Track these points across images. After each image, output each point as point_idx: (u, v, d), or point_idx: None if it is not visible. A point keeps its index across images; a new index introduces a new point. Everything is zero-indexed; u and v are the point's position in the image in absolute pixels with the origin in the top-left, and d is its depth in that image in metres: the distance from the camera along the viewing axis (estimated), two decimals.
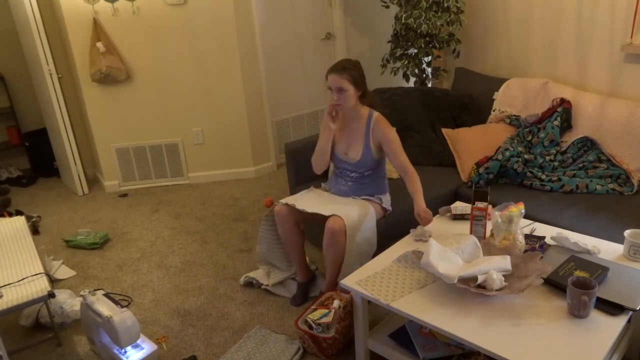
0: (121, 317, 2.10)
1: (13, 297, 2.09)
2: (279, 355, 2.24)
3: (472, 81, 3.48)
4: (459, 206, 2.38)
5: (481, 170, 2.76)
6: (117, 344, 2.13)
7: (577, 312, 1.65)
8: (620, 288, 1.75)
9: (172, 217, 3.68)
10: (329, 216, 2.34)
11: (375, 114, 2.49)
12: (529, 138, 2.95)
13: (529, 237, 2.12)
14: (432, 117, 3.23)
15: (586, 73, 3.07)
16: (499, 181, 2.81)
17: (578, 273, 1.80)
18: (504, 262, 1.80)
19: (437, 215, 2.42)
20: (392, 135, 2.45)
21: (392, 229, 2.55)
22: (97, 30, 3.73)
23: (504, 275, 1.79)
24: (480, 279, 1.76)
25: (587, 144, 2.84)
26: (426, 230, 2.25)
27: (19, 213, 3.80)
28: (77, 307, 2.56)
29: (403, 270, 1.99)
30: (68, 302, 2.56)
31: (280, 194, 3.91)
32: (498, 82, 3.31)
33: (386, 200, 2.59)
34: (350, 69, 2.39)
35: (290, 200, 2.49)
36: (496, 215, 1.99)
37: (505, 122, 3.14)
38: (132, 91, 3.98)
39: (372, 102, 2.55)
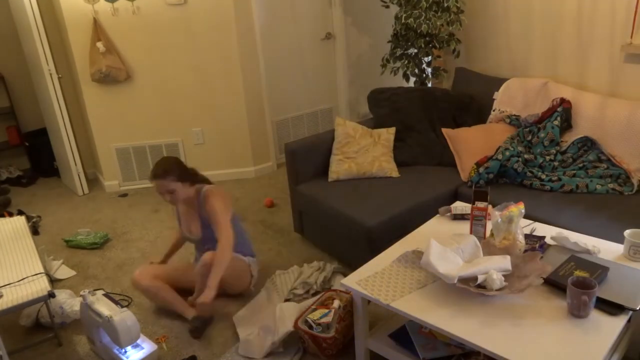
0: (121, 317, 2.10)
1: (13, 297, 2.09)
2: (279, 356, 2.24)
3: (472, 81, 3.48)
4: (459, 206, 2.38)
5: (481, 170, 2.76)
6: (117, 344, 2.13)
7: (577, 312, 1.65)
8: (620, 288, 1.75)
9: (172, 217, 3.68)
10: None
11: (205, 189, 2.53)
12: (529, 138, 2.95)
13: (529, 237, 2.12)
14: (432, 117, 3.23)
15: (586, 73, 3.07)
16: (499, 181, 2.81)
17: (578, 273, 1.80)
18: (504, 262, 1.80)
19: (437, 215, 2.42)
20: (210, 206, 2.46)
21: (391, 229, 2.56)
22: (97, 30, 3.73)
23: (504, 275, 1.79)
24: (480, 279, 1.76)
25: (587, 143, 2.84)
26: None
27: (20, 213, 3.80)
28: (77, 307, 2.56)
29: (403, 270, 1.99)
30: (68, 302, 2.57)
31: (280, 193, 3.91)
32: (498, 82, 3.31)
33: (253, 263, 2.67)
34: (171, 170, 2.41)
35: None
36: (496, 215, 1.99)
37: (505, 122, 3.14)
38: (132, 91, 3.98)
39: (202, 180, 2.61)
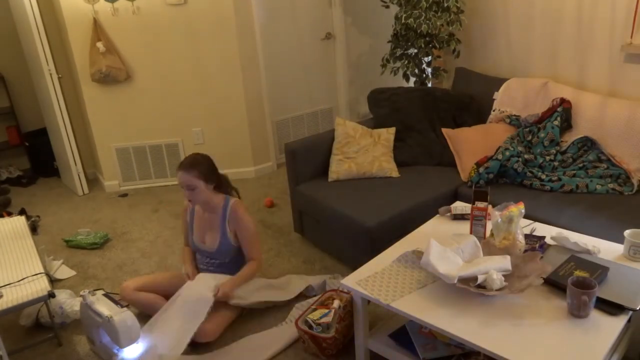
0: (121, 317, 2.10)
1: (13, 297, 2.09)
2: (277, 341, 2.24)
3: (472, 81, 3.48)
4: (459, 206, 2.38)
5: (481, 170, 2.76)
6: (117, 344, 2.13)
7: (577, 312, 1.65)
8: (620, 288, 1.75)
9: (172, 217, 3.68)
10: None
11: (232, 201, 2.48)
12: (529, 138, 2.95)
13: (529, 237, 2.12)
14: (432, 117, 3.23)
15: (586, 73, 3.07)
16: (499, 181, 2.81)
17: (578, 273, 1.80)
18: (504, 262, 1.80)
19: (437, 215, 2.42)
20: (245, 223, 2.44)
21: (391, 229, 2.56)
22: (97, 30, 3.73)
23: (504, 275, 1.79)
24: (480, 279, 1.76)
25: (587, 143, 2.84)
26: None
27: (22, 212, 3.79)
28: (77, 307, 2.56)
29: (403, 270, 1.99)
30: (68, 302, 2.57)
31: (280, 193, 3.91)
32: (498, 82, 3.31)
33: None
34: (198, 165, 2.36)
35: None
36: (496, 215, 1.99)
37: (505, 122, 3.14)
38: (132, 91, 3.98)
39: (229, 190, 2.55)
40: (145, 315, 2.56)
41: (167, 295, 2.57)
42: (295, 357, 2.25)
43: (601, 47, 2.97)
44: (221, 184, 2.51)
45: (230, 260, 2.52)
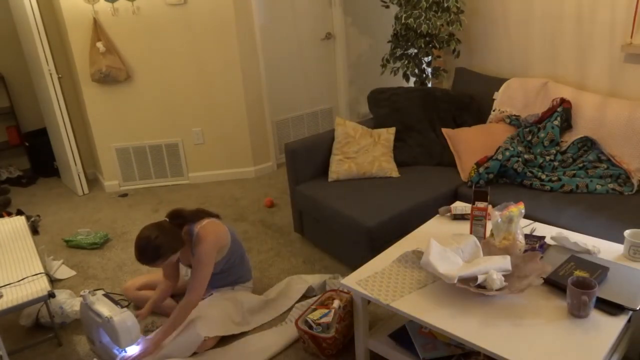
0: (121, 317, 2.10)
1: (13, 297, 2.09)
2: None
3: (472, 81, 3.48)
4: (459, 206, 2.38)
5: (481, 170, 2.76)
6: (117, 344, 2.13)
7: (577, 312, 1.65)
8: (620, 288, 1.75)
9: None
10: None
11: (199, 227, 2.32)
12: (529, 138, 2.95)
13: (529, 237, 2.12)
14: (432, 117, 3.23)
15: (586, 73, 3.07)
16: (499, 181, 2.81)
17: (578, 273, 1.80)
18: (504, 262, 1.80)
19: (437, 215, 2.42)
20: (199, 250, 2.27)
21: (391, 229, 2.56)
22: (97, 30, 3.73)
23: (504, 275, 1.79)
24: (480, 279, 1.76)
25: (587, 143, 2.84)
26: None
27: (20, 213, 3.79)
28: (77, 307, 2.56)
29: (403, 270, 1.99)
30: (68, 302, 2.57)
31: (280, 193, 3.91)
32: (498, 82, 3.31)
33: (243, 288, 2.59)
34: (160, 255, 2.17)
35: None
36: (496, 215, 1.99)
37: (505, 122, 3.14)
38: (132, 91, 3.98)
39: (194, 218, 2.37)
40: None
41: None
42: (295, 357, 2.25)
43: (601, 47, 2.97)
44: (184, 223, 2.36)
45: (221, 270, 2.46)
